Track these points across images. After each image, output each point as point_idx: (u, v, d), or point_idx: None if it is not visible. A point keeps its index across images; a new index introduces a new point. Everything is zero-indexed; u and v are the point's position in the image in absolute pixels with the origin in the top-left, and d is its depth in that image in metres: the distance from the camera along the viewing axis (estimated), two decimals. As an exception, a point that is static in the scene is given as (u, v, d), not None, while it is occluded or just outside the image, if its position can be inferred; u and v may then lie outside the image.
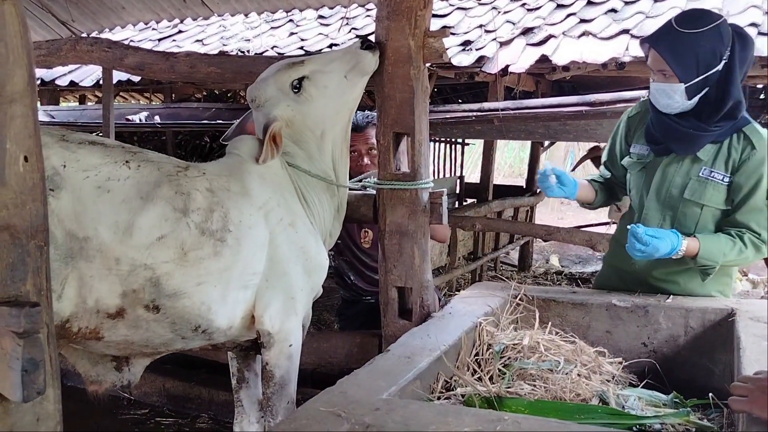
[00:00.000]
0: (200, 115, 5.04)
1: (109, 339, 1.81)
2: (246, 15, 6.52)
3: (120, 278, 1.74)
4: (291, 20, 6.25)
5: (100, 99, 5.66)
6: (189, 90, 6.92)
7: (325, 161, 2.23)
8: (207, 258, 1.85)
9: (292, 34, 5.89)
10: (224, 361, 2.39)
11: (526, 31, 4.68)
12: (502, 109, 3.28)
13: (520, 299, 2.17)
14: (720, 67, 1.99)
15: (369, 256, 3.11)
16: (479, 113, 3.39)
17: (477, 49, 4.55)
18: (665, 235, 2.00)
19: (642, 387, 1.81)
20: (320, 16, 6.09)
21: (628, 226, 2.03)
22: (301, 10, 6.30)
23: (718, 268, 2.09)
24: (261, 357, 2.09)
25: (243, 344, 2.14)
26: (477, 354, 1.91)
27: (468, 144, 8.39)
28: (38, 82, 5.58)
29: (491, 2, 5.38)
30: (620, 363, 1.91)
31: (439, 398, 1.65)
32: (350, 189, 2.59)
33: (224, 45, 5.87)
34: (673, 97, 2.04)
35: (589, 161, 6.29)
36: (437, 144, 7.85)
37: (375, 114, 3.06)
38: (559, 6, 4.97)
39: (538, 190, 6.38)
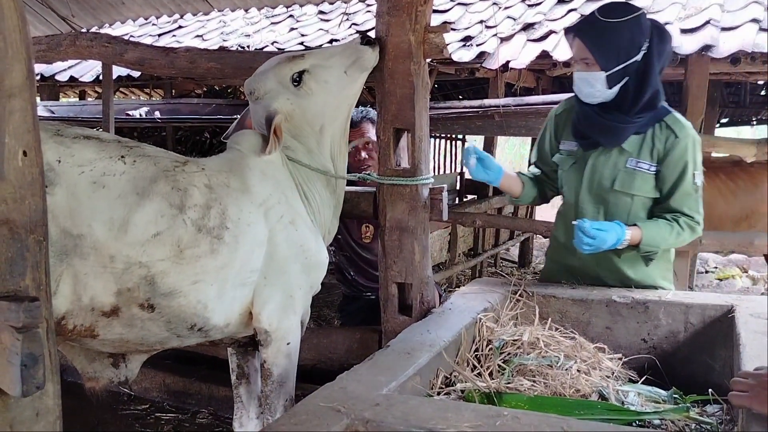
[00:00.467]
0: (200, 111, 5.05)
1: (104, 337, 1.80)
2: (246, 10, 6.51)
3: (114, 276, 1.72)
4: (291, 15, 6.24)
5: (100, 94, 5.65)
6: (189, 86, 6.91)
7: (324, 156, 2.22)
8: (203, 256, 1.82)
9: (292, 29, 5.88)
10: (224, 357, 2.39)
11: (527, 27, 4.68)
12: (503, 106, 3.27)
13: (520, 295, 2.17)
14: (639, 57, 2.08)
15: (370, 252, 3.10)
16: (479, 109, 3.39)
17: (477, 45, 4.55)
18: (610, 228, 2.08)
19: (642, 383, 1.80)
20: (320, 12, 6.08)
21: (574, 222, 2.10)
22: (301, 6, 6.29)
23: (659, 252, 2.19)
24: (259, 354, 2.09)
25: (241, 340, 2.14)
26: (477, 350, 1.91)
27: (468, 140, 8.38)
28: (38, 77, 5.58)
29: (492, -2, 5.37)
30: (620, 359, 1.90)
31: (438, 394, 1.65)
32: (350, 183, 2.59)
33: (224, 40, 5.86)
34: (594, 85, 2.11)
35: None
36: (438, 140, 7.84)
37: (370, 109, 3.08)
38: (560, 2, 4.96)
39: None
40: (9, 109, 1.12)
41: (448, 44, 2.35)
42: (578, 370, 1.74)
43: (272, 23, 6.18)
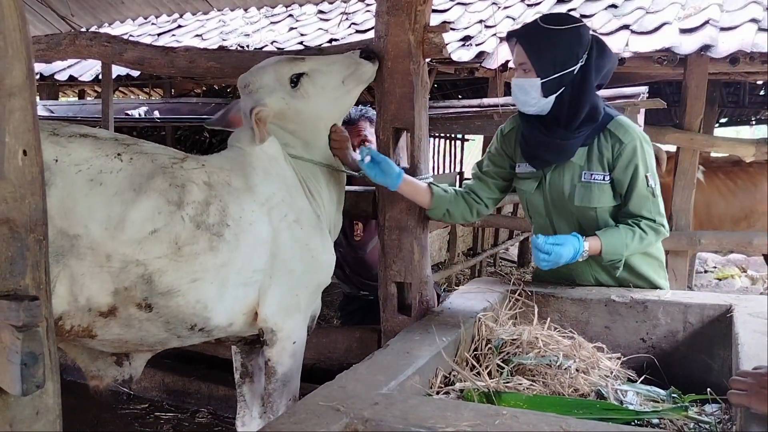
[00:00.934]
0: (200, 111, 5.04)
1: (103, 337, 1.79)
2: (246, 10, 6.50)
3: (111, 276, 1.70)
4: (290, 15, 6.24)
5: (99, 94, 5.65)
6: (188, 85, 6.91)
7: (325, 149, 2.22)
8: (202, 253, 1.80)
9: (291, 29, 5.88)
10: (224, 356, 2.39)
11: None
12: (502, 105, 3.27)
13: (518, 295, 2.18)
14: (576, 68, 2.06)
15: (360, 249, 3.12)
16: (479, 108, 3.39)
17: (477, 45, 4.55)
18: (566, 241, 2.05)
19: (640, 382, 1.81)
20: (320, 11, 6.08)
21: (530, 238, 2.08)
22: (300, 5, 6.28)
23: (623, 260, 2.16)
24: (263, 353, 2.08)
25: (247, 338, 2.13)
26: (476, 349, 1.91)
27: (468, 140, 8.39)
28: (37, 76, 5.57)
29: (491, -2, 5.38)
30: (619, 358, 1.91)
31: (437, 393, 1.65)
32: (350, 182, 2.59)
33: (224, 40, 5.86)
34: (529, 92, 2.09)
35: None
36: (437, 139, 7.85)
37: (368, 108, 3.09)
38: (560, 1, 4.96)
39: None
40: (9, 108, 1.12)
41: (447, 44, 2.35)
42: (577, 370, 1.75)
43: (271, 23, 6.18)
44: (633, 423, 1.54)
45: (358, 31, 5.35)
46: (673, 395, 1.73)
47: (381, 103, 2.32)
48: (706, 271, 7.16)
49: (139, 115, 5.01)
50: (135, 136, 6.39)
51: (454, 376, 1.74)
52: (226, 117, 2.32)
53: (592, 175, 2.14)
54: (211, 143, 6.16)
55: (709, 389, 1.67)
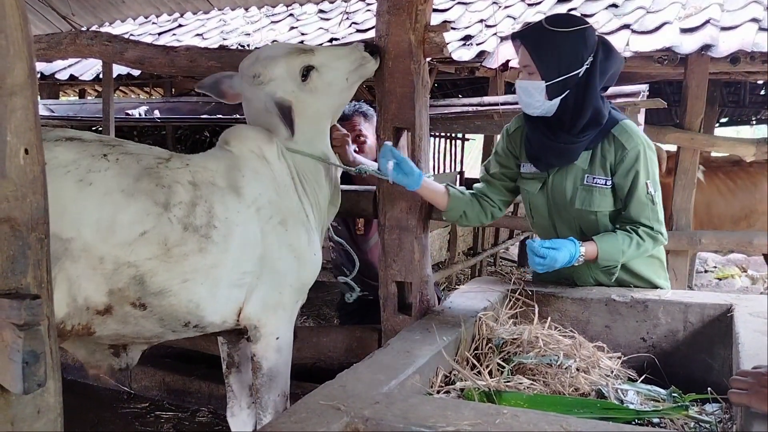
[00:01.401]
0: (200, 110, 5.04)
1: (101, 333, 1.82)
2: (246, 9, 6.51)
3: (105, 277, 1.73)
4: (291, 14, 6.24)
5: (99, 93, 5.65)
6: (189, 84, 6.90)
7: (324, 143, 2.23)
8: (191, 254, 1.82)
9: (292, 28, 5.88)
10: (224, 355, 2.39)
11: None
12: (502, 104, 3.27)
13: (519, 294, 2.18)
14: (581, 71, 2.04)
15: (363, 244, 3.12)
16: (479, 107, 3.39)
17: (477, 44, 4.55)
18: (562, 245, 2.04)
19: (641, 382, 1.81)
20: (320, 11, 6.08)
21: (527, 241, 2.04)
22: (301, 5, 6.28)
23: (619, 266, 2.15)
24: (249, 348, 2.10)
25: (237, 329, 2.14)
26: (476, 348, 1.91)
27: (468, 139, 8.39)
28: (38, 76, 5.57)
29: (492, -3, 5.37)
30: (619, 358, 1.91)
31: (438, 392, 1.65)
32: (350, 181, 2.60)
33: (224, 39, 5.86)
34: (533, 95, 2.07)
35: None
36: (437, 139, 7.85)
37: (362, 103, 3.10)
38: (560, 1, 4.96)
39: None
40: (11, 107, 1.12)
41: (448, 43, 2.35)
42: (577, 369, 1.75)
43: (272, 22, 6.18)
44: (633, 422, 1.54)
45: (358, 31, 5.35)
46: (673, 395, 1.73)
47: (382, 102, 2.32)
48: (706, 271, 7.17)
49: (140, 114, 5.01)
50: (135, 135, 6.40)
51: (454, 375, 1.74)
52: (218, 87, 2.26)
53: (594, 179, 2.13)
54: (211, 143, 6.16)
55: (709, 388, 1.67)
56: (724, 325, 1.98)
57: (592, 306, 2.15)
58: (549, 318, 2.04)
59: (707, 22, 4.04)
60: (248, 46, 5.47)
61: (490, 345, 1.89)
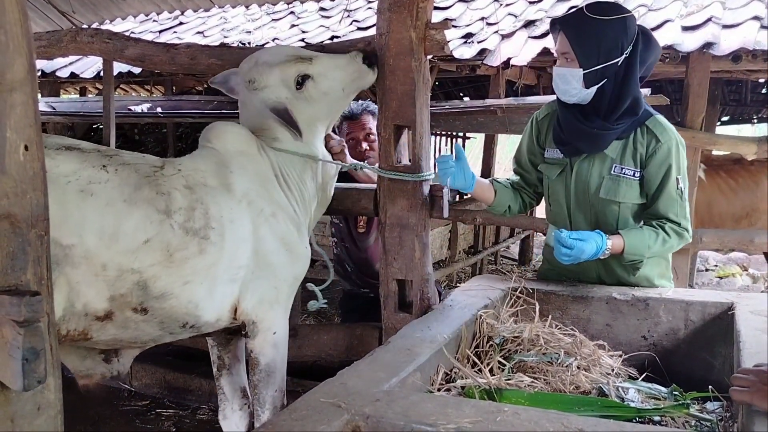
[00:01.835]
0: (202, 108, 5.04)
1: (98, 339, 1.82)
2: (247, 7, 6.47)
3: (107, 283, 1.74)
4: (292, 12, 6.23)
5: (100, 91, 5.64)
6: (189, 83, 6.90)
7: (313, 142, 2.23)
8: (192, 257, 1.86)
9: (293, 26, 5.87)
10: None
11: (528, 24, 4.67)
12: (505, 105, 3.27)
13: (520, 292, 2.17)
14: (621, 60, 2.02)
15: (364, 242, 3.12)
16: (481, 107, 3.39)
17: (479, 42, 4.55)
18: (590, 237, 2.02)
19: (642, 380, 1.80)
20: (321, 8, 6.08)
21: (553, 231, 2.05)
22: (302, 2, 6.26)
23: (645, 260, 2.14)
24: (246, 345, 2.12)
25: (231, 328, 2.14)
26: (477, 346, 1.91)
27: (469, 138, 8.38)
28: (38, 73, 5.57)
29: (493, -5, 5.36)
30: (620, 356, 1.90)
31: (439, 390, 1.65)
32: (350, 179, 2.59)
33: (225, 37, 5.86)
34: (570, 82, 2.05)
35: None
36: (438, 138, 7.84)
37: (369, 102, 3.09)
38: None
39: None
40: (10, 103, 1.12)
41: (449, 41, 2.35)
42: (578, 367, 1.74)
43: (273, 20, 6.17)
44: (634, 420, 1.54)
45: (359, 29, 5.34)
46: (674, 393, 1.72)
47: (382, 100, 2.32)
48: (707, 270, 7.16)
49: (142, 110, 5.01)
50: (137, 133, 6.39)
51: (455, 373, 1.74)
52: (228, 83, 2.33)
53: (622, 169, 2.10)
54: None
55: (710, 387, 1.67)
56: (725, 324, 1.98)
57: (593, 304, 2.14)
58: (550, 316, 2.04)
59: (709, 20, 4.04)
60: (249, 43, 5.46)
61: (491, 343, 1.89)
